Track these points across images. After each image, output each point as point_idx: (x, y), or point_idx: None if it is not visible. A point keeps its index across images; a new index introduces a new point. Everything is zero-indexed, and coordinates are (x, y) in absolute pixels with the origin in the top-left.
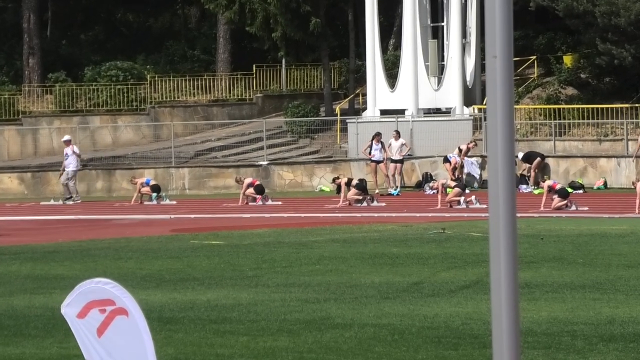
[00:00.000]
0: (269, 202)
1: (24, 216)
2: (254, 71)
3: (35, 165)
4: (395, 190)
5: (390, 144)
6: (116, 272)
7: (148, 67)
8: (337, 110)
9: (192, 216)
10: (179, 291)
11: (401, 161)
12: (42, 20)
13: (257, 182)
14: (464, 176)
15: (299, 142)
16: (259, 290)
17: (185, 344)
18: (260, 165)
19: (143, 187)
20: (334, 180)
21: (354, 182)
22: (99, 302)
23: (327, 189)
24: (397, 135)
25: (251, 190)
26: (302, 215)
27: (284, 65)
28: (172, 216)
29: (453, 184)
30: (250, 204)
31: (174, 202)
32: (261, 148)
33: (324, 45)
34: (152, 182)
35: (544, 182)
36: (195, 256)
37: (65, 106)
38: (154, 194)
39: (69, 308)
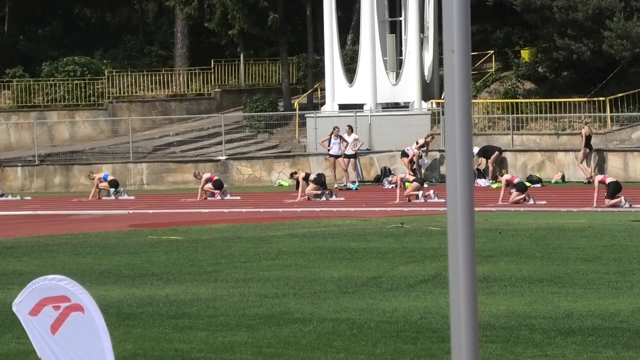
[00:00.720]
0: (228, 197)
1: None
2: (212, 66)
3: None
4: (353, 185)
5: (343, 139)
6: (74, 267)
7: (106, 62)
8: (296, 105)
9: (151, 211)
10: (138, 286)
11: (354, 156)
12: None
13: (216, 177)
14: (423, 170)
15: (258, 137)
16: (218, 285)
17: (143, 339)
18: (219, 160)
19: (101, 182)
20: (292, 175)
21: (312, 176)
22: (53, 298)
23: (286, 184)
24: (350, 130)
25: (209, 185)
26: (261, 210)
27: (242, 60)
28: (130, 211)
29: (412, 178)
30: (208, 198)
31: (132, 198)
32: (220, 143)
33: (282, 40)
34: (110, 178)
35: (501, 176)
36: (154, 251)
37: (23, 101)
38: (112, 189)
39: (21, 305)
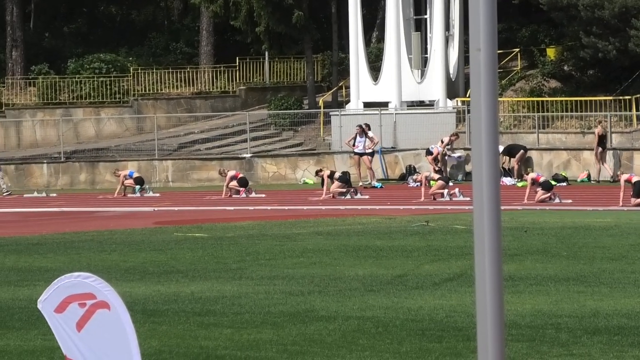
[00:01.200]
0: (253, 195)
1: (7, 208)
2: (237, 64)
3: (19, 157)
4: (378, 183)
5: (355, 137)
6: (100, 264)
7: (131, 59)
8: (321, 103)
9: (176, 209)
10: (163, 283)
11: (371, 154)
12: (25, 12)
13: (241, 175)
14: (448, 169)
15: (283, 134)
16: (243, 282)
17: (169, 336)
18: (244, 158)
19: (126, 179)
20: (317, 173)
21: (337, 174)
22: (79, 296)
23: (311, 182)
24: (363, 129)
25: (234, 182)
26: (286, 207)
27: (267, 58)
28: (156, 209)
29: (437, 176)
30: (233, 196)
31: (158, 195)
32: (244, 140)
33: (307, 38)
34: (136, 175)
35: (527, 174)
36: (179, 249)
37: (49, 98)
38: (137, 187)
39: (46, 303)
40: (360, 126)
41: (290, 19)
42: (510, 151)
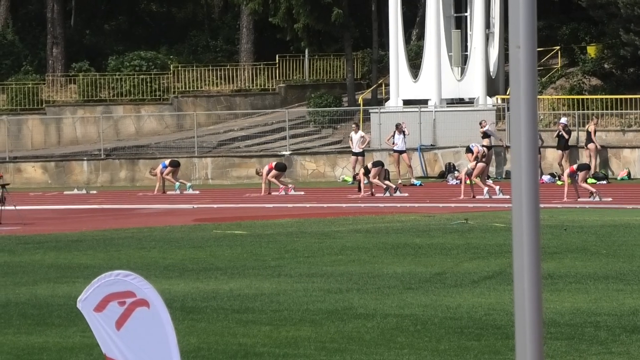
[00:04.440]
0: (292, 192)
1: (47, 205)
2: (277, 61)
3: (59, 154)
4: (417, 181)
5: (350, 137)
6: (139, 261)
7: (171, 57)
8: (360, 101)
9: (215, 206)
10: (202, 281)
11: (362, 154)
12: (65, 9)
13: (275, 163)
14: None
15: (322, 132)
16: (282, 280)
17: (208, 333)
18: (283, 155)
19: (163, 172)
20: (354, 177)
21: (369, 165)
22: (118, 294)
23: (349, 179)
24: (357, 127)
25: (273, 172)
26: (325, 205)
27: (306, 56)
28: (195, 206)
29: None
30: (272, 193)
31: (197, 192)
32: (284, 138)
33: (347, 36)
34: (168, 162)
35: (565, 174)
36: (218, 246)
37: (89, 96)
38: (177, 184)
39: (86, 302)
40: (399, 124)
41: (329, 17)
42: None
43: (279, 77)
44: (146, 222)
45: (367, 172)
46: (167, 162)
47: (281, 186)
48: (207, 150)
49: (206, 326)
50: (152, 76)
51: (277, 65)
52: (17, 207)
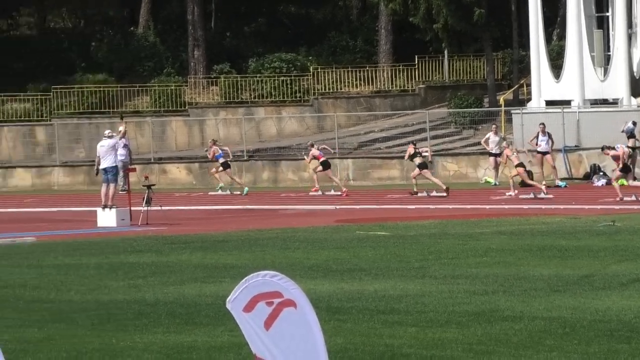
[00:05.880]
0: (434, 194)
1: (193, 206)
2: (416, 62)
3: (202, 155)
4: (562, 182)
5: (488, 138)
6: (284, 261)
7: (310, 58)
8: (501, 101)
9: (357, 207)
10: (346, 281)
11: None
12: (206, 11)
13: (323, 158)
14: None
15: (463, 133)
16: (426, 281)
17: (354, 333)
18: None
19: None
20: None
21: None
22: (266, 294)
23: (492, 181)
24: (497, 129)
25: (319, 168)
26: (468, 206)
27: (446, 56)
28: (337, 207)
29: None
30: (417, 195)
31: (339, 193)
32: (424, 139)
33: (487, 36)
34: (224, 156)
35: None
36: (361, 247)
37: (230, 97)
38: (220, 184)
39: (235, 302)
40: (543, 124)
41: (471, 17)
42: None
43: (418, 78)
44: (289, 223)
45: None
46: (222, 158)
47: (323, 185)
48: (347, 151)
49: (352, 327)
50: (292, 78)
51: (417, 66)
52: (163, 208)
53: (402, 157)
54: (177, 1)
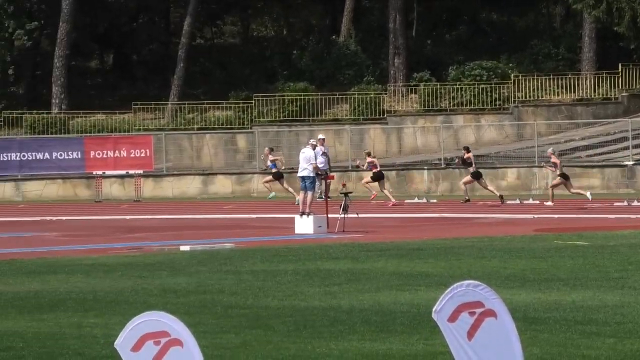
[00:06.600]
0: (635, 204)
1: (389, 214)
2: (620, 70)
3: (400, 163)
4: None
5: None
6: (480, 270)
7: (511, 65)
8: None
9: (556, 216)
10: (543, 291)
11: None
12: (407, 20)
13: (377, 170)
14: None
15: None
16: (625, 292)
17: (550, 344)
18: (626, 166)
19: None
20: None
21: None
22: (469, 304)
23: None
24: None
25: (368, 179)
26: None
27: None
28: (536, 216)
29: None
30: (615, 204)
31: (537, 202)
32: (626, 148)
33: None
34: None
35: None
36: (560, 256)
37: (429, 105)
38: (273, 193)
39: (441, 313)
40: None
41: None
42: None
43: (622, 86)
44: (486, 232)
45: None
46: (275, 169)
47: (374, 192)
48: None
49: (549, 337)
50: (493, 86)
51: (620, 74)
52: (359, 215)
53: (603, 167)
54: (378, 10)
